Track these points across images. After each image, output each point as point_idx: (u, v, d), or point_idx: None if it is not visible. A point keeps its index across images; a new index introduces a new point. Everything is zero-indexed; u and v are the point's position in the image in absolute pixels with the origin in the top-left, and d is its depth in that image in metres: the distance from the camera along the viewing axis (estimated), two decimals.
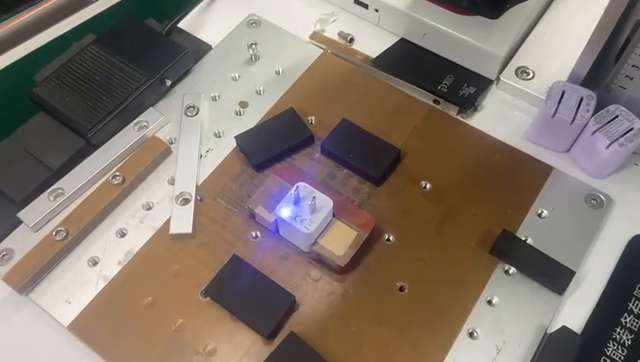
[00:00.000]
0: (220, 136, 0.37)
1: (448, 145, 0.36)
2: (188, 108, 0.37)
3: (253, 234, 0.33)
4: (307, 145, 0.36)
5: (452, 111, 0.38)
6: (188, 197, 0.34)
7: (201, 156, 0.36)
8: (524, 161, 0.36)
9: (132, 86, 0.36)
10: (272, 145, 0.35)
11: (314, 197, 0.31)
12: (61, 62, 0.37)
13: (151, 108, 0.37)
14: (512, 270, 0.32)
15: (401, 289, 0.31)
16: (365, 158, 0.34)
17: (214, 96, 0.39)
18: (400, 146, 0.35)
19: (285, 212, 0.31)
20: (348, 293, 0.31)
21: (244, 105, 0.38)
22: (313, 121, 0.37)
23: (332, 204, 0.31)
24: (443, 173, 0.35)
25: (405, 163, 0.35)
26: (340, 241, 0.31)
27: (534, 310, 0.31)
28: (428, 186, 0.34)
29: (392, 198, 0.34)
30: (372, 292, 0.31)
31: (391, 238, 0.33)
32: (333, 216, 0.31)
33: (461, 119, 0.37)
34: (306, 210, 0.30)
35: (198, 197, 0.34)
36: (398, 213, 0.33)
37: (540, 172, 0.35)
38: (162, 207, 0.34)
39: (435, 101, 0.38)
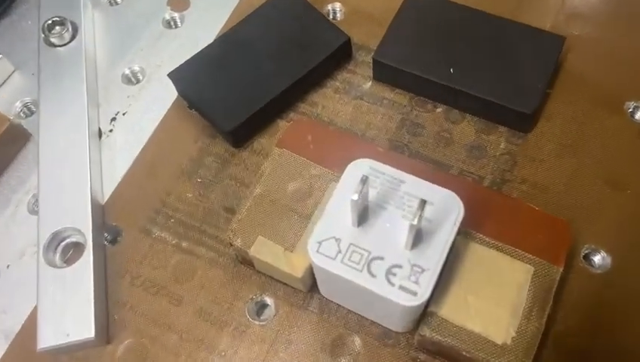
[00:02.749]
0: (137, 81, 0.23)
1: None
2: (52, 28, 0.23)
3: (253, 308, 0.17)
4: (341, 63, 0.22)
5: None
6: (78, 239, 0.19)
7: (100, 134, 0.22)
8: None
9: None
10: (261, 78, 0.20)
11: (423, 201, 0.13)
12: None
13: None
14: None
15: None
16: (485, 72, 0.19)
17: None
18: (549, 29, 0.21)
19: (336, 250, 0.14)
20: None
21: (180, 3, 0.24)
22: (338, 13, 0.23)
23: (461, 206, 0.14)
24: None
25: (572, 65, 0.20)
26: (492, 304, 0.14)
27: None
28: None
29: None
30: None
31: (595, 259, 0.17)
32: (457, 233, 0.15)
33: None
34: (396, 239, 0.14)
35: (106, 235, 0.19)
36: (594, 192, 0.18)
37: None
38: (17, 273, 0.19)
39: None
